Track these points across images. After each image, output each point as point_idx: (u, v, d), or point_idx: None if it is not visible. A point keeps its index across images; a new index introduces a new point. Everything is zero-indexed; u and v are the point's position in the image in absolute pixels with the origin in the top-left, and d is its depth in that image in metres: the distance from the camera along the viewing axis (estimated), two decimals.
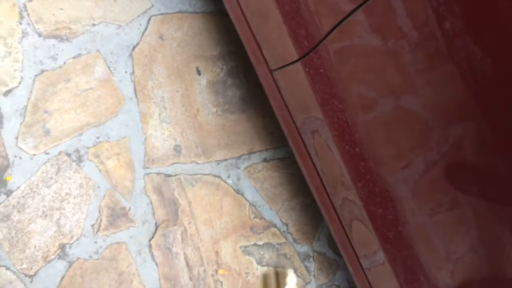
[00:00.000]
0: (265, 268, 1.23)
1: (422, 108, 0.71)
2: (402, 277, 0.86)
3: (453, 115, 0.68)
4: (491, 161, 0.66)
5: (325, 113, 0.83)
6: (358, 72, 0.77)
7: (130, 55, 1.15)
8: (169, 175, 1.17)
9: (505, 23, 0.56)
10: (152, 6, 1.19)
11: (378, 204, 0.83)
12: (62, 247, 1.07)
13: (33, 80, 1.07)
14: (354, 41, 0.75)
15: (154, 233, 1.15)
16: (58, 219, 1.07)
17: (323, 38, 0.76)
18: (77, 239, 1.08)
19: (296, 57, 0.83)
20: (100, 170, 1.11)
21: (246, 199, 1.24)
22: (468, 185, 0.72)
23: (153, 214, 1.15)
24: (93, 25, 1.13)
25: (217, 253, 1.20)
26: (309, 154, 0.96)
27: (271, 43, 0.91)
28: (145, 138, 1.16)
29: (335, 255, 1.32)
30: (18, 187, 1.04)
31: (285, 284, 0.69)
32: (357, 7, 0.69)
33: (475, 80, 0.62)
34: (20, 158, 1.04)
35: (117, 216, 1.12)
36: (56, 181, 1.07)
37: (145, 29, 1.18)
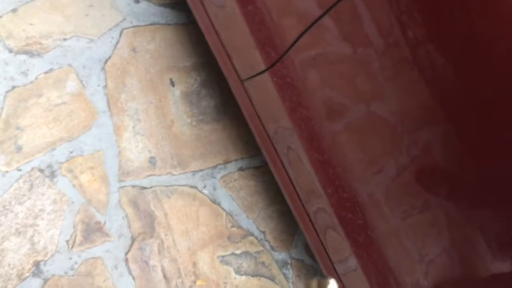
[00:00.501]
0: (243, 277, 1.24)
1: (391, 114, 0.72)
2: (373, 281, 0.87)
3: (420, 120, 0.69)
4: (459, 164, 0.68)
5: (294, 122, 0.84)
6: (324, 80, 0.78)
7: (103, 68, 1.15)
8: (145, 188, 1.17)
9: (463, 30, 0.58)
10: (124, 19, 1.19)
11: (347, 209, 0.84)
12: (37, 264, 1.06)
13: (4, 97, 1.06)
14: (318, 50, 0.76)
15: (130, 246, 1.14)
16: (32, 236, 1.06)
17: (288, 49, 0.77)
18: (52, 256, 1.07)
19: (263, 67, 0.84)
20: (74, 185, 1.10)
21: (222, 208, 1.25)
22: (438, 187, 0.74)
23: (129, 227, 1.14)
24: (64, 39, 1.13)
25: (194, 264, 1.20)
26: (282, 163, 0.97)
27: (240, 53, 0.92)
28: (119, 151, 1.15)
29: (312, 261, 1.33)
30: None
31: None
32: (319, 18, 0.71)
33: (439, 86, 0.64)
34: None
35: (92, 231, 1.11)
36: (29, 198, 1.06)
37: (117, 42, 1.18)
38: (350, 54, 0.72)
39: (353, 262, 0.89)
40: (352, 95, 0.75)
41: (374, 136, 0.77)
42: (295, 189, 0.98)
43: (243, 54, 0.91)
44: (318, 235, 0.98)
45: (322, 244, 0.99)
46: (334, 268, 0.99)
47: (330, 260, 0.98)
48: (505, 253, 0.69)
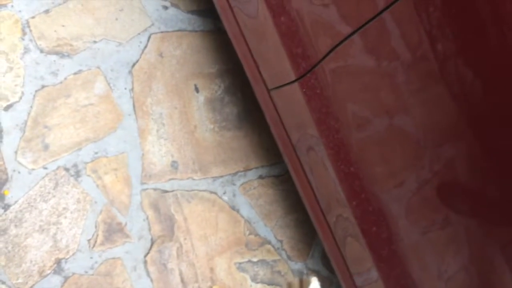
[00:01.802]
0: (259, 285, 1.24)
1: (415, 127, 0.72)
2: None
3: (444, 135, 0.69)
4: (482, 181, 0.68)
5: (321, 133, 0.85)
6: (354, 93, 0.78)
7: (130, 72, 1.17)
8: (166, 191, 1.18)
9: (494, 47, 0.58)
10: (152, 24, 1.21)
11: (372, 222, 0.84)
12: (58, 262, 1.07)
13: (34, 95, 1.08)
14: (349, 62, 0.76)
15: (150, 249, 1.15)
16: (55, 233, 1.07)
17: (320, 60, 0.78)
18: (73, 254, 1.09)
19: (293, 78, 0.85)
20: (97, 185, 1.12)
21: (241, 215, 1.25)
22: (460, 204, 0.73)
23: (149, 229, 1.16)
24: (94, 42, 1.15)
25: (212, 269, 1.21)
26: (304, 171, 0.97)
27: (269, 62, 0.93)
28: (142, 154, 1.17)
29: (328, 273, 1.32)
30: (16, 201, 1.04)
31: None
32: (354, 31, 0.71)
33: (466, 102, 0.64)
34: (19, 172, 1.05)
35: (113, 231, 1.12)
36: (54, 196, 1.08)
37: (145, 47, 1.20)
38: (379, 67, 0.73)
39: (374, 274, 0.88)
40: (379, 108, 0.76)
41: (398, 149, 0.77)
42: (315, 197, 0.98)
43: (272, 63, 0.92)
44: (337, 245, 0.98)
45: (341, 254, 0.98)
46: (352, 279, 0.98)
47: (349, 271, 0.98)
48: None
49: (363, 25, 0.70)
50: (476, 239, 0.73)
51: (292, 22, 0.81)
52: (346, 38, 0.73)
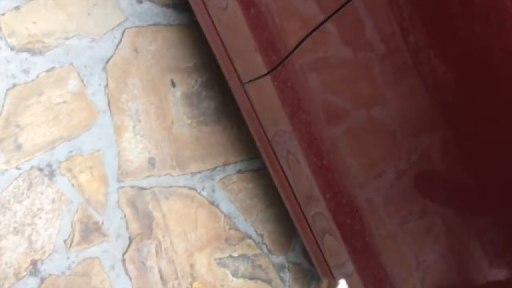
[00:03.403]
0: (240, 280, 1.24)
1: (391, 119, 0.72)
2: (370, 287, 0.87)
3: (420, 126, 0.69)
4: (457, 170, 0.68)
5: (294, 126, 0.84)
6: (326, 85, 0.78)
7: (104, 68, 1.15)
8: (144, 188, 1.17)
9: (464, 37, 0.58)
10: (127, 19, 1.19)
11: (345, 214, 0.84)
12: (34, 263, 1.06)
13: (5, 94, 1.06)
14: (319, 54, 0.76)
15: (128, 247, 1.14)
16: (30, 235, 1.06)
17: (290, 52, 0.78)
18: (49, 255, 1.07)
19: (265, 71, 0.84)
20: (72, 185, 1.10)
21: (221, 210, 1.25)
22: (436, 193, 0.74)
23: (127, 228, 1.15)
24: (67, 38, 1.13)
25: (192, 266, 1.20)
26: (281, 166, 0.97)
27: (242, 56, 0.92)
28: (119, 151, 1.15)
29: (309, 265, 1.33)
30: None
31: None
32: (323, 21, 0.71)
33: (439, 92, 0.64)
34: None
35: (90, 230, 1.11)
36: (28, 196, 1.06)
37: (119, 42, 1.18)
38: (351, 59, 0.72)
39: (350, 267, 0.89)
40: (353, 100, 0.76)
41: (373, 141, 0.77)
42: (293, 192, 0.98)
43: (244, 57, 0.91)
44: (315, 239, 0.98)
45: (320, 248, 0.99)
46: (331, 272, 0.99)
47: (327, 264, 0.98)
48: (502, 260, 0.69)
49: (331, 15, 0.70)
50: (453, 227, 0.73)
51: (261, 14, 0.80)
52: (314, 29, 0.73)
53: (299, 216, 0.99)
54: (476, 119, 0.62)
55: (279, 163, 0.97)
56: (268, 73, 0.83)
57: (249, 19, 0.81)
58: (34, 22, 1.11)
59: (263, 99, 0.91)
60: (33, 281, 1.05)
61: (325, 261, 0.98)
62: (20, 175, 1.06)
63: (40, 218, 1.07)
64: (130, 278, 1.14)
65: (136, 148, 1.17)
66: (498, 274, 0.71)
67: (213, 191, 1.24)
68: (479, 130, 0.62)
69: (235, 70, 0.95)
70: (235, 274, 1.24)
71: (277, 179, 1.01)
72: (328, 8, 0.70)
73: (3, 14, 1.08)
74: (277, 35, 0.80)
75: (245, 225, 1.26)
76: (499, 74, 0.57)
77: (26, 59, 1.09)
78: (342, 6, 0.68)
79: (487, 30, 0.55)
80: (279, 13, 0.78)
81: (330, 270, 0.99)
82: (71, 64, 1.12)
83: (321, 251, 0.99)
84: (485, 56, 0.57)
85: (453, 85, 0.62)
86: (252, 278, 1.26)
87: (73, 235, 1.09)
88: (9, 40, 1.08)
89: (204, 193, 1.23)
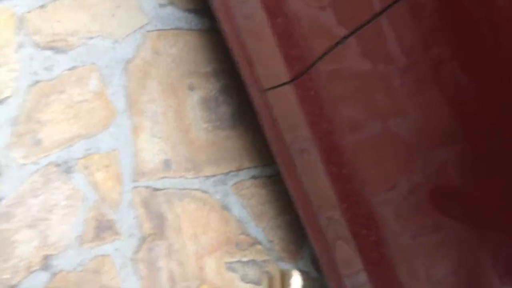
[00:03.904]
0: (248, 285, 1.23)
1: (408, 131, 0.73)
2: None
3: (437, 139, 0.70)
4: (474, 186, 0.68)
5: (314, 134, 0.85)
6: (348, 95, 0.79)
7: (125, 69, 1.17)
8: (158, 189, 1.18)
9: (488, 51, 0.59)
10: (149, 22, 1.21)
11: (362, 225, 0.85)
12: (46, 258, 1.06)
13: (27, 90, 1.08)
14: (344, 65, 0.77)
15: (140, 246, 1.15)
16: (44, 230, 1.07)
17: (315, 62, 0.78)
18: (62, 251, 1.08)
19: (288, 79, 0.85)
20: (88, 182, 1.11)
21: (233, 215, 1.25)
22: (451, 208, 0.74)
23: (140, 227, 1.15)
24: (90, 38, 1.15)
25: (201, 268, 1.20)
26: (296, 172, 0.98)
27: (264, 63, 0.93)
28: (135, 152, 1.16)
29: (317, 274, 1.32)
30: (6, 196, 1.04)
31: (289, 285, 0.69)
32: (350, 34, 0.72)
33: (460, 106, 0.64)
34: (9, 167, 1.05)
35: (103, 228, 1.12)
36: (44, 192, 1.07)
37: (141, 44, 1.20)
38: (373, 71, 0.73)
39: (363, 277, 0.89)
40: (373, 111, 0.76)
41: (391, 153, 0.77)
42: (308, 200, 0.98)
43: (267, 64, 0.92)
44: (328, 247, 0.98)
45: (331, 256, 0.99)
46: (341, 281, 0.99)
47: (338, 273, 0.98)
48: None
49: (358, 28, 0.71)
50: (466, 243, 0.73)
51: (288, 23, 0.81)
52: (341, 41, 0.73)
53: (312, 223, 1.00)
54: (497, 134, 0.62)
55: (295, 169, 0.98)
56: (291, 81, 0.84)
57: (276, 28, 0.83)
58: (58, 21, 1.13)
59: (284, 107, 0.92)
60: (44, 276, 1.06)
61: (337, 269, 0.98)
62: (37, 170, 1.07)
63: (55, 213, 1.08)
64: (140, 277, 1.14)
65: (152, 149, 1.18)
66: None
67: (226, 195, 1.25)
68: (499, 146, 0.63)
69: (256, 76, 0.96)
70: (243, 279, 1.24)
71: (292, 186, 1.02)
72: (355, 21, 0.71)
73: (28, 12, 1.10)
74: (302, 45, 0.81)
75: (256, 230, 1.27)
76: None
77: (49, 56, 1.11)
78: (370, 20, 0.68)
79: None
80: (305, 23, 0.79)
81: (340, 278, 0.99)
82: (93, 63, 1.14)
83: (332, 259, 0.98)
84: (510, 69, 0.57)
85: (475, 98, 0.63)
86: (260, 284, 1.26)
87: (87, 232, 1.10)
88: (33, 38, 1.10)
89: (217, 196, 1.24)
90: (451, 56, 0.63)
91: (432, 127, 0.69)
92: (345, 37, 0.73)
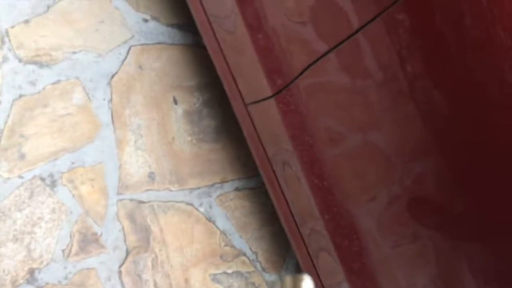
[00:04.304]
0: None
1: (386, 143, 0.75)
2: None
3: (414, 152, 0.72)
4: (449, 197, 0.70)
5: (296, 148, 0.87)
6: (328, 109, 0.81)
7: (109, 83, 1.18)
8: (142, 202, 1.18)
9: (459, 68, 0.61)
10: (133, 36, 1.22)
11: (344, 236, 0.86)
12: (32, 271, 1.06)
13: (11, 104, 1.08)
14: (323, 79, 0.79)
15: (125, 259, 1.15)
16: (29, 243, 1.07)
17: (296, 77, 0.80)
18: (47, 264, 1.08)
19: (269, 94, 0.87)
20: (73, 195, 1.11)
21: (217, 227, 1.26)
22: (428, 219, 0.75)
23: (125, 240, 1.15)
24: (74, 52, 1.15)
25: (186, 280, 1.21)
26: (279, 184, 0.99)
27: (246, 78, 0.95)
28: (120, 165, 1.17)
29: None
30: None
31: None
32: (330, 50, 0.74)
33: (434, 120, 0.67)
34: None
35: (88, 241, 1.12)
36: (29, 205, 1.07)
37: (125, 59, 1.20)
38: (352, 85, 0.75)
39: (345, 287, 0.90)
40: (352, 125, 0.78)
41: (370, 165, 0.79)
42: (290, 210, 0.99)
43: (249, 79, 0.94)
44: (310, 257, 1.00)
45: (314, 267, 1.00)
46: None
47: (321, 284, 1.00)
48: (491, 287, 0.71)
49: (338, 45, 0.73)
50: (444, 253, 0.75)
51: (269, 39, 0.83)
52: (321, 57, 0.75)
53: (295, 234, 1.01)
54: (469, 147, 0.64)
55: (277, 181, 0.99)
56: (272, 95, 0.86)
57: (257, 43, 0.84)
58: (42, 36, 1.13)
59: (266, 120, 0.94)
60: None
61: (320, 280, 1.00)
62: (22, 184, 1.07)
63: (39, 227, 1.08)
64: None
65: (137, 162, 1.19)
66: None
67: (210, 207, 1.26)
68: (472, 159, 0.65)
69: (239, 91, 0.98)
70: None
71: (275, 197, 1.03)
72: (334, 38, 0.73)
73: (12, 27, 1.11)
74: (283, 60, 0.83)
75: (240, 242, 1.28)
76: (493, 105, 0.59)
77: (33, 71, 1.11)
78: (349, 37, 0.71)
79: (482, 61, 0.58)
80: (286, 39, 0.81)
81: None
82: (77, 78, 1.15)
83: (315, 269, 1.00)
84: (480, 87, 0.60)
85: (448, 114, 0.65)
86: None
87: (71, 245, 1.10)
88: (17, 52, 1.10)
89: (201, 209, 1.24)
90: (424, 73, 0.65)
91: (409, 140, 0.71)
92: (325, 54, 0.75)
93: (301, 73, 0.79)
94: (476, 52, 0.59)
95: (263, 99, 0.89)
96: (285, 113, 0.86)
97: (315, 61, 0.76)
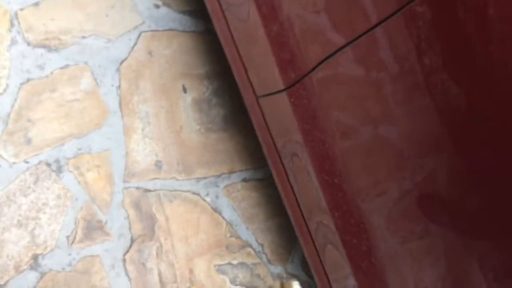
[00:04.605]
0: None
1: (398, 138, 0.73)
2: None
3: (427, 147, 0.70)
4: (462, 194, 0.69)
5: (307, 143, 0.85)
6: (340, 101, 0.79)
7: (118, 69, 1.17)
8: (148, 190, 1.18)
9: (479, 63, 0.59)
10: (143, 22, 1.21)
11: (353, 234, 0.85)
12: (35, 257, 1.06)
13: (19, 88, 1.07)
14: (338, 71, 0.77)
15: (129, 247, 1.15)
16: (33, 229, 1.06)
17: (310, 71, 0.79)
18: (51, 250, 1.07)
19: (282, 87, 0.85)
20: (79, 182, 1.11)
21: (223, 217, 1.25)
22: (439, 215, 0.74)
23: (130, 228, 1.15)
24: (83, 37, 1.14)
25: (191, 270, 1.20)
26: (287, 176, 0.98)
27: (258, 69, 0.93)
28: (126, 152, 1.16)
29: (307, 277, 1.33)
30: None
31: None
32: (346, 44, 0.72)
33: (450, 115, 0.65)
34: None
35: (93, 228, 1.11)
36: (34, 191, 1.07)
37: (135, 45, 1.19)
38: (366, 78, 0.74)
39: (351, 281, 0.89)
40: (365, 118, 0.77)
41: (382, 160, 0.78)
42: (298, 203, 0.98)
43: (261, 70, 0.92)
44: (317, 250, 0.99)
45: (320, 260, 0.99)
46: (330, 285, 0.99)
47: (327, 277, 0.99)
48: (501, 286, 0.70)
49: (355, 39, 0.71)
50: (454, 250, 0.74)
51: (283, 31, 0.81)
52: (337, 51, 0.74)
53: (302, 227, 1.00)
54: (485, 144, 0.63)
55: (286, 173, 0.98)
56: (285, 89, 0.84)
57: (270, 34, 0.83)
58: (52, 19, 1.12)
59: (277, 114, 0.92)
60: (33, 275, 1.05)
61: (325, 273, 0.99)
62: (27, 169, 1.07)
63: (44, 213, 1.07)
64: (130, 279, 1.14)
65: (144, 150, 1.18)
66: None
67: (217, 197, 1.25)
68: (487, 156, 0.63)
69: (250, 82, 0.97)
70: (233, 281, 1.24)
71: (283, 189, 1.02)
72: (350, 32, 0.71)
73: (21, 9, 1.09)
74: (297, 53, 0.81)
75: (246, 233, 1.27)
76: None
77: (42, 55, 1.10)
78: (366, 32, 0.69)
79: (505, 56, 0.56)
80: (301, 31, 0.79)
81: (329, 282, 0.99)
82: (86, 63, 1.14)
83: (321, 263, 0.99)
84: (501, 83, 0.58)
85: (464, 109, 0.63)
86: (250, 286, 1.26)
87: (76, 232, 1.10)
88: (26, 35, 1.09)
89: (208, 199, 1.24)
90: (442, 66, 0.63)
91: (422, 135, 0.70)
92: (341, 48, 0.73)
93: (315, 67, 0.78)
94: (499, 46, 0.57)
95: (275, 92, 0.88)
96: (297, 107, 0.84)
97: (329, 56, 0.75)
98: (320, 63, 0.77)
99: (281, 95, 0.86)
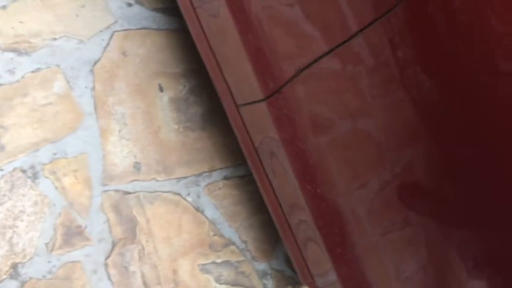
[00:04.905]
0: (223, 286, 1.24)
1: (377, 130, 0.74)
2: None
3: (404, 138, 0.71)
4: (440, 184, 0.70)
5: (282, 137, 0.85)
6: (319, 95, 0.79)
7: (91, 70, 1.15)
8: (128, 193, 1.16)
9: (449, 55, 0.60)
10: (116, 21, 1.18)
11: (331, 225, 0.85)
12: (14, 266, 1.04)
13: None
14: (318, 82, 0.77)
15: (111, 251, 1.13)
16: (11, 237, 1.04)
17: (289, 80, 0.78)
18: (30, 258, 1.06)
19: (261, 97, 0.84)
20: (56, 187, 1.09)
21: (205, 216, 1.24)
22: (419, 205, 0.75)
23: (110, 232, 1.14)
24: (54, 39, 1.12)
25: (175, 271, 1.20)
26: (266, 174, 0.98)
27: (238, 79, 0.92)
28: (104, 155, 1.14)
29: (292, 273, 1.33)
30: None
31: None
32: (324, 54, 0.72)
33: (424, 107, 0.66)
34: None
35: (72, 234, 1.10)
36: (10, 198, 1.05)
37: (107, 45, 1.17)
38: (343, 71, 0.73)
39: (332, 276, 0.90)
40: (342, 112, 0.77)
41: (359, 152, 0.78)
42: (278, 200, 0.98)
43: (241, 81, 0.91)
44: (298, 247, 0.99)
45: (302, 256, 0.99)
46: (313, 280, 1.00)
47: (310, 273, 0.99)
48: (481, 273, 0.71)
49: (333, 48, 0.71)
50: (434, 239, 0.74)
51: (260, 41, 0.80)
52: (316, 60, 0.74)
53: (283, 223, 1.00)
54: (459, 134, 0.63)
55: (264, 171, 0.98)
56: (264, 99, 0.84)
57: (248, 44, 0.82)
58: (21, 22, 1.09)
59: (258, 122, 0.92)
60: (13, 285, 1.03)
61: (308, 268, 0.99)
62: (2, 176, 1.04)
63: (21, 220, 1.05)
64: (112, 283, 1.13)
65: (121, 152, 1.16)
66: (477, 286, 0.72)
67: (198, 197, 1.24)
68: (461, 145, 0.64)
69: (230, 91, 0.96)
70: (218, 280, 1.24)
71: (262, 187, 1.02)
72: (329, 42, 0.71)
73: None
74: (275, 63, 0.80)
75: (229, 231, 1.26)
76: (482, 91, 0.58)
77: (12, 59, 1.07)
78: (346, 40, 0.69)
79: (472, 48, 0.57)
80: (277, 42, 0.78)
81: (312, 277, 1.00)
82: (58, 65, 1.11)
83: (303, 258, 0.99)
84: (470, 74, 0.59)
85: (437, 100, 0.64)
86: (235, 284, 1.26)
87: (55, 239, 1.08)
88: None
89: (189, 198, 1.23)
90: (415, 59, 0.64)
91: (399, 126, 0.70)
92: (321, 56, 0.73)
93: (294, 76, 0.77)
94: (466, 38, 0.57)
95: (255, 102, 0.87)
96: (274, 108, 0.84)
97: (311, 63, 0.75)
98: (300, 71, 0.77)
99: (260, 104, 0.86)
